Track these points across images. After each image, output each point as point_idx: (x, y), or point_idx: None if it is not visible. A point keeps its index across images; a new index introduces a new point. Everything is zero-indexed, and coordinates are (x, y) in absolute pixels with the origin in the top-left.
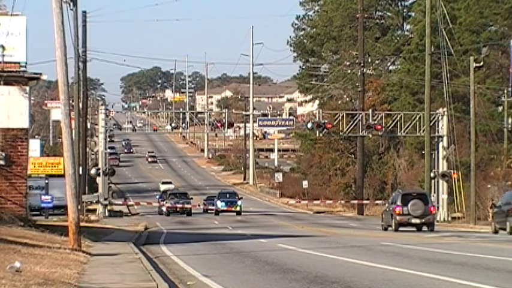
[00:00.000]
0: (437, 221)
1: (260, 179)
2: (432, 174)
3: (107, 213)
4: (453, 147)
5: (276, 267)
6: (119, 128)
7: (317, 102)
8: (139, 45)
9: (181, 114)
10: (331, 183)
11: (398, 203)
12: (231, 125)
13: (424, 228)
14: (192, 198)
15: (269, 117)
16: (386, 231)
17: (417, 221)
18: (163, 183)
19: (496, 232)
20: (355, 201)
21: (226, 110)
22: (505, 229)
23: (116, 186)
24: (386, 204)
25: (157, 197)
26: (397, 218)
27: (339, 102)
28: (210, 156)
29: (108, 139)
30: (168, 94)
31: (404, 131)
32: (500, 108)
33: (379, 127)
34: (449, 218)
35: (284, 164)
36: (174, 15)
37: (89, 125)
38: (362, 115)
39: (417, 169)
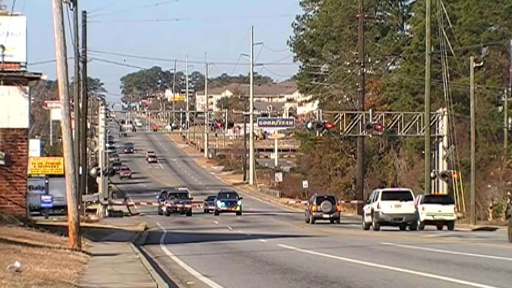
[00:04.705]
0: None
1: (260, 179)
2: (432, 174)
3: (107, 213)
4: (453, 147)
5: (276, 267)
6: (124, 134)
7: (317, 102)
8: (139, 45)
9: (181, 114)
10: (331, 183)
11: (314, 202)
12: (231, 125)
13: (334, 221)
14: (192, 198)
15: (269, 117)
16: (308, 223)
17: (327, 216)
18: None
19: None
20: (355, 201)
21: (226, 110)
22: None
23: (116, 186)
24: (307, 203)
25: (157, 197)
26: (313, 213)
27: (339, 102)
28: (210, 156)
29: (108, 145)
30: (168, 94)
31: (404, 131)
32: (500, 108)
33: (379, 127)
34: None
35: (284, 164)
36: (174, 15)
37: (89, 125)
38: (362, 115)
39: (417, 169)
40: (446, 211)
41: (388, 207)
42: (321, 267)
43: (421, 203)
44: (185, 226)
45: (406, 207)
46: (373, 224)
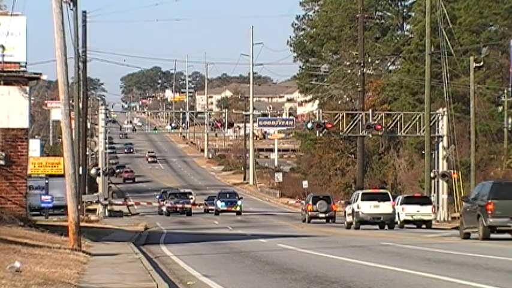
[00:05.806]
0: (437, 221)
1: (260, 179)
2: (432, 174)
3: (107, 213)
4: (453, 147)
5: (276, 267)
6: (124, 134)
7: (317, 102)
8: (139, 45)
9: (181, 114)
10: (331, 183)
11: (310, 202)
12: (231, 125)
13: (330, 221)
14: (192, 199)
15: (269, 117)
16: (304, 222)
17: (322, 215)
18: None
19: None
20: None
21: (226, 110)
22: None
23: (116, 186)
24: (303, 203)
25: (157, 197)
26: (309, 213)
27: (339, 102)
28: (210, 156)
29: (108, 145)
30: (168, 94)
31: (404, 131)
32: (500, 108)
33: (379, 127)
34: (449, 218)
35: (284, 164)
36: (174, 15)
37: (89, 125)
38: (362, 115)
39: (417, 169)
40: (425, 211)
41: (368, 208)
42: (321, 267)
43: (400, 204)
44: (185, 226)
45: (384, 207)
46: (354, 223)
